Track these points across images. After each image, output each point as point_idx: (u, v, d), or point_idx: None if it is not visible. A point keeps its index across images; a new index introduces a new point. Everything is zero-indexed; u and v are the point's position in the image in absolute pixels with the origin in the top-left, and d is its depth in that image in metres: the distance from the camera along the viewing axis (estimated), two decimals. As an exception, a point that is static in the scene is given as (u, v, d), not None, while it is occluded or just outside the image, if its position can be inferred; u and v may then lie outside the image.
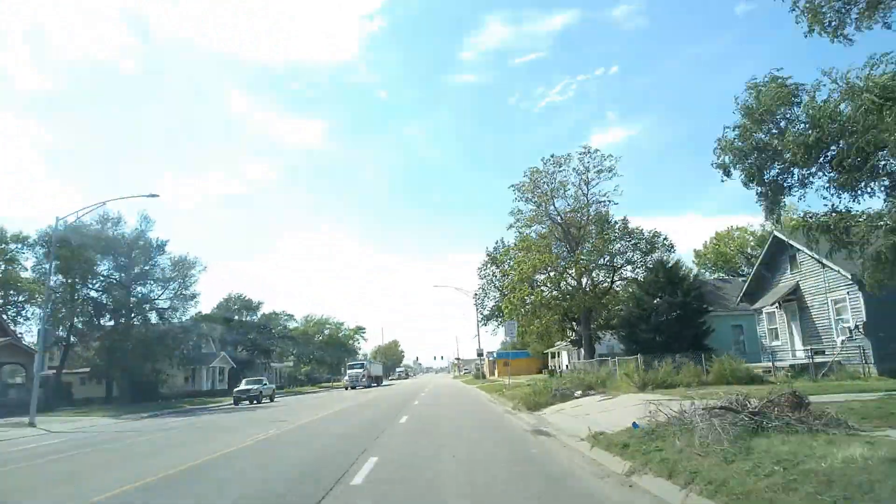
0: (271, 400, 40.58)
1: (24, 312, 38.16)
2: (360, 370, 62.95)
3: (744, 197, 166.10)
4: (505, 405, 21.93)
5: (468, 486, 7.83)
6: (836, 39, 10.62)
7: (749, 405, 8.34)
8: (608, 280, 37.78)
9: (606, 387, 19.94)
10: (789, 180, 11.45)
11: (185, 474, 9.66)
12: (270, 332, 69.67)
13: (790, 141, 10.39)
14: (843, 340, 21.24)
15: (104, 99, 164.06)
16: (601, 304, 35.48)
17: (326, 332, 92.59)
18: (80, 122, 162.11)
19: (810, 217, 11.41)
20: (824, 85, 10.47)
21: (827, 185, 11.02)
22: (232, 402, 39.10)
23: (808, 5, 10.48)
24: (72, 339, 39.62)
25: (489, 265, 49.85)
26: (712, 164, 12.00)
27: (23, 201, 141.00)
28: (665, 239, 37.65)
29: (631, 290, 34.56)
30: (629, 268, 37.22)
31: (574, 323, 39.17)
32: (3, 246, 33.04)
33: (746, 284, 28.85)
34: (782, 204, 12.07)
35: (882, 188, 10.61)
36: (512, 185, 36.12)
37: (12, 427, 23.12)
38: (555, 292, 35.37)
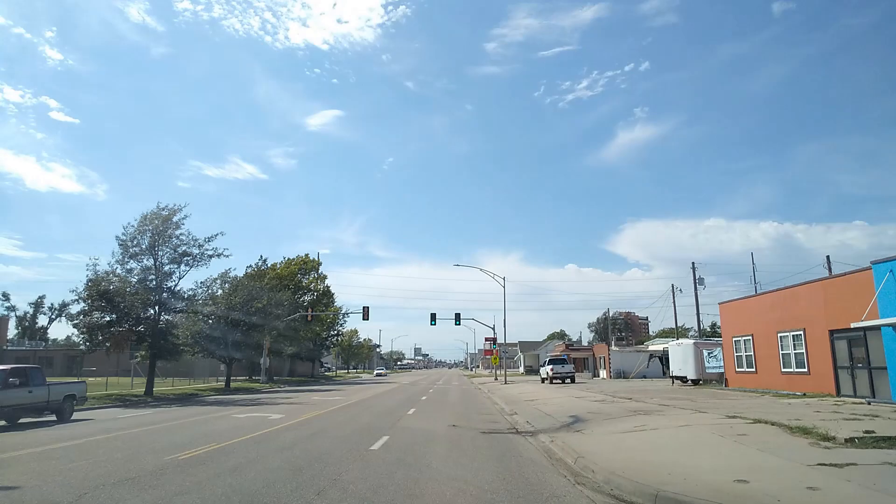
0: None
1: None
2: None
3: (770, 203, 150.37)
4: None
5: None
6: None
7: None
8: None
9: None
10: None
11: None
12: None
13: None
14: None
15: (127, 81, 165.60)
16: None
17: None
18: (101, 102, 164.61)
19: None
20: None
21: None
22: None
23: None
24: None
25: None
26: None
27: (42, 178, 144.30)
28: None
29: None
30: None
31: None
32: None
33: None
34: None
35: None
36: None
37: None
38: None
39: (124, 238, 29.36)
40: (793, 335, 21.53)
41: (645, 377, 46.42)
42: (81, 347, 30.60)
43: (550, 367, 39.78)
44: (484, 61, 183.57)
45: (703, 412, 14.44)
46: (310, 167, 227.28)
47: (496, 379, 54.52)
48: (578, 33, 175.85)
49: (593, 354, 53.99)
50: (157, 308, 30.47)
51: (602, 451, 9.13)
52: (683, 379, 31.19)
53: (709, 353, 29.20)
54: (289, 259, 58.35)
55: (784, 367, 22.13)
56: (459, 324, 51.45)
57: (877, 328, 16.65)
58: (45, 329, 67.06)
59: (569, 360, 44.40)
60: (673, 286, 52.44)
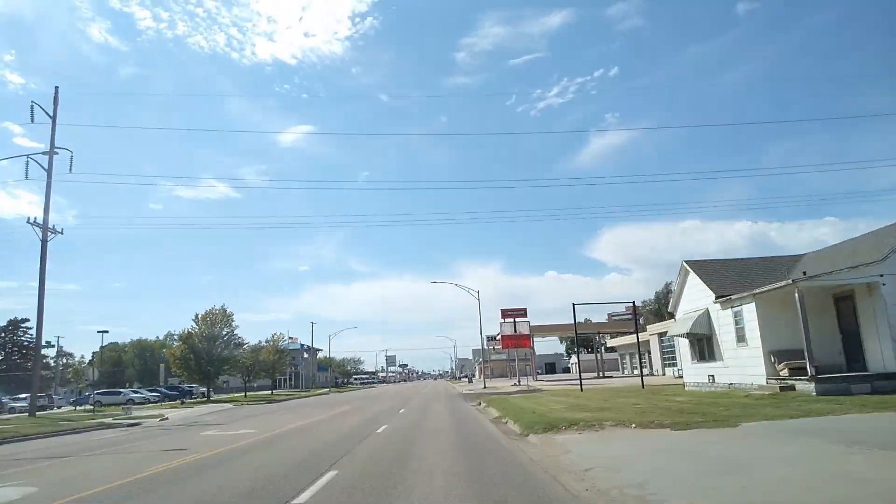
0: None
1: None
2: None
3: (743, 203, 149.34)
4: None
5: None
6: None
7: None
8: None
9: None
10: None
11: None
12: None
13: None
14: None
15: (93, 103, 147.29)
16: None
17: None
18: (67, 126, 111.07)
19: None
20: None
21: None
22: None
23: None
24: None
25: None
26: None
27: (9, 206, 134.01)
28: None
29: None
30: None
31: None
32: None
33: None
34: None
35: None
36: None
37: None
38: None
39: None
40: None
41: None
42: None
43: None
44: (455, 72, 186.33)
45: None
46: (284, 184, 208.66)
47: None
48: (546, 40, 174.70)
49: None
50: None
51: None
52: None
53: None
54: None
55: None
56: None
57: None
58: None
59: None
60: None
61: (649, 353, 60.32)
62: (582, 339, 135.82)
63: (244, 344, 47.77)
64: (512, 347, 43.73)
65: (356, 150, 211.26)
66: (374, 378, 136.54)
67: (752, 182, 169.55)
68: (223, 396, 53.83)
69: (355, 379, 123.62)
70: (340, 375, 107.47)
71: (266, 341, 62.12)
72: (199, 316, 46.86)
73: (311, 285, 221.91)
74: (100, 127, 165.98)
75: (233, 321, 47.82)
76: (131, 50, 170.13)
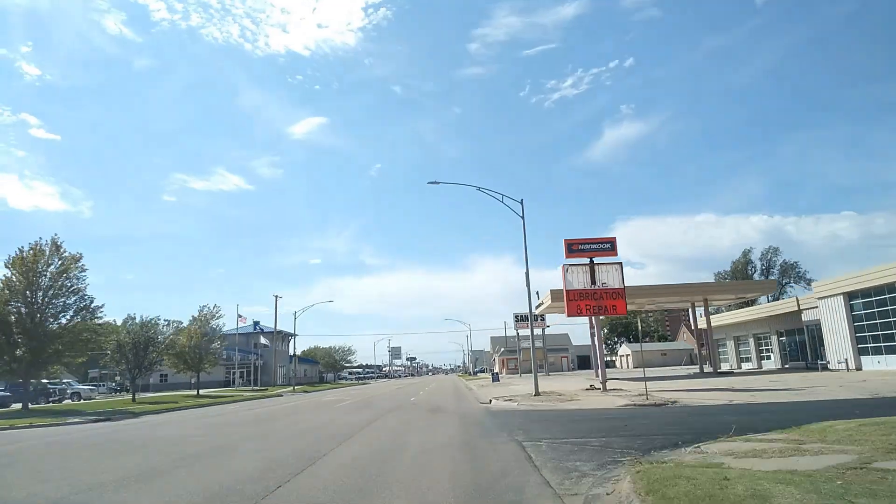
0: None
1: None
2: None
3: (759, 196, 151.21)
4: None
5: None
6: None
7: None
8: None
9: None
10: None
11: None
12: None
13: None
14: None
15: (108, 94, 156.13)
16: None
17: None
18: (82, 117, 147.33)
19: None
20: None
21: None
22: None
23: None
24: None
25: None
26: None
27: (24, 198, 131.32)
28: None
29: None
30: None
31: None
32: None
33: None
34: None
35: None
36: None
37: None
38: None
39: None
40: None
41: None
42: None
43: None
44: (468, 62, 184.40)
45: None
46: (296, 176, 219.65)
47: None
48: (561, 31, 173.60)
49: None
50: None
51: None
52: None
53: None
54: None
55: None
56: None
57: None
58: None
59: None
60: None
61: (808, 330, 37.15)
62: (623, 327, 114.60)
63: (98, 311, 26.99)
64: (588, 314, 22.28)
65: (369, 141, 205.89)
66: (374, 373, 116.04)
67: (768, 175, 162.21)
68: (85, 403, 33.27)
69: (349, 373, 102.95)
70: (326, 368, 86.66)
71: (193, 318, 41.63)
72: (13, 258, 25.98)
73: (323, 278, 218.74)
74: (113, 118, 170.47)
75: (80, 271, 26.90)
76: (146, 42, 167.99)
